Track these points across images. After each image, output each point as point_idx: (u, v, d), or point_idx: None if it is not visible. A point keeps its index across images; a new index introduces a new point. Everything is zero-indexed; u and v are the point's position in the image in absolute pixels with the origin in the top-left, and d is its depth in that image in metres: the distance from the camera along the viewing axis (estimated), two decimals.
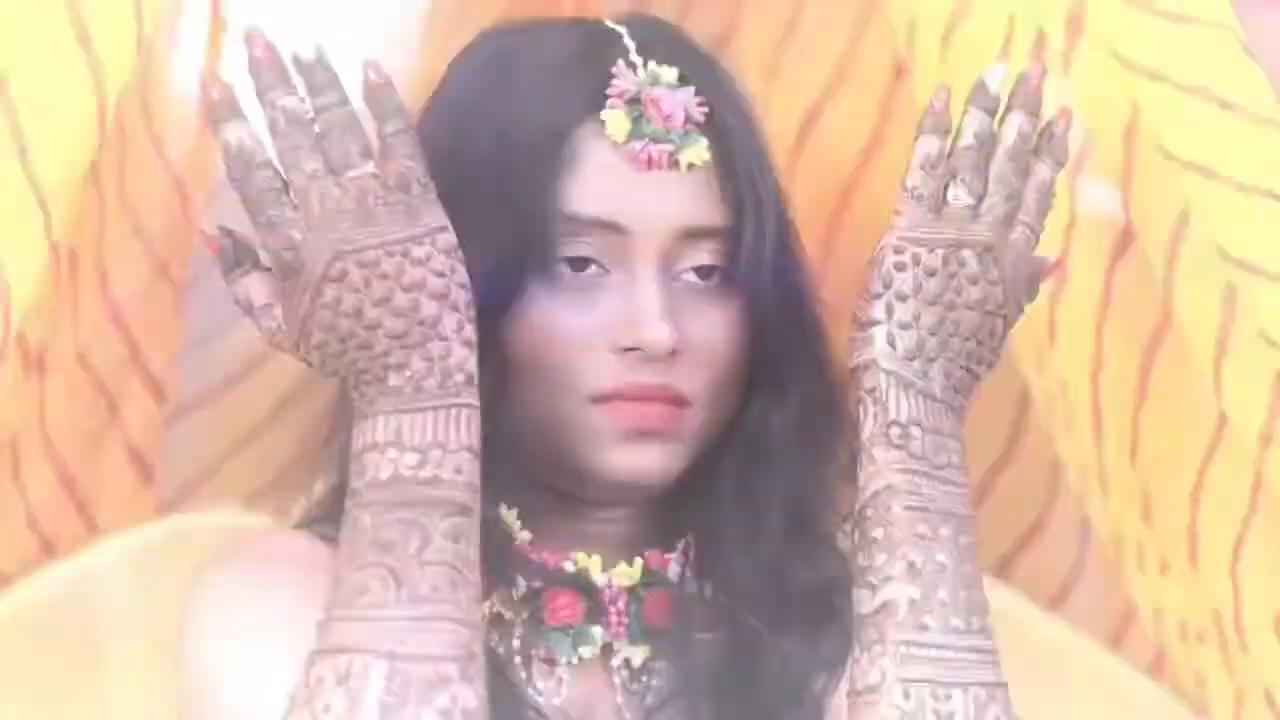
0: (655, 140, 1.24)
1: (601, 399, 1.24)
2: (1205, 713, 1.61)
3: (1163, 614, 1.59)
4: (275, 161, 1.17)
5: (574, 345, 1.24)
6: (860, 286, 1.24)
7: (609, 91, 1.24)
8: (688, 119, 1.25)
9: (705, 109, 1.26)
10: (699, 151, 1.25)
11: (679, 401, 1.25)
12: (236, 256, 1.20)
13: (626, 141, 1.24)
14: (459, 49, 1.53)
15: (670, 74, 1.26)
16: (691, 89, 1.26)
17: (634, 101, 1.24)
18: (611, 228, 1.24)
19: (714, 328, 1.26)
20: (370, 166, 1.16)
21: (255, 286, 1.20)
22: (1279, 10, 1.75)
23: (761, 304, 1.27)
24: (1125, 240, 1.39)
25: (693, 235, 1.25)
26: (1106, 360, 1.44)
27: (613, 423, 1.24)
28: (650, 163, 1.24)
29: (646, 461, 1.25)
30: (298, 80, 1.18)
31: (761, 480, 1.31)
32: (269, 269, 1.20)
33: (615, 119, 1.24)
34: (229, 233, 1.20)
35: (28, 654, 1.59)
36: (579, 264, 1.25)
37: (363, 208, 1.16)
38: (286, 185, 1.17)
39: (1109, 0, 1.27)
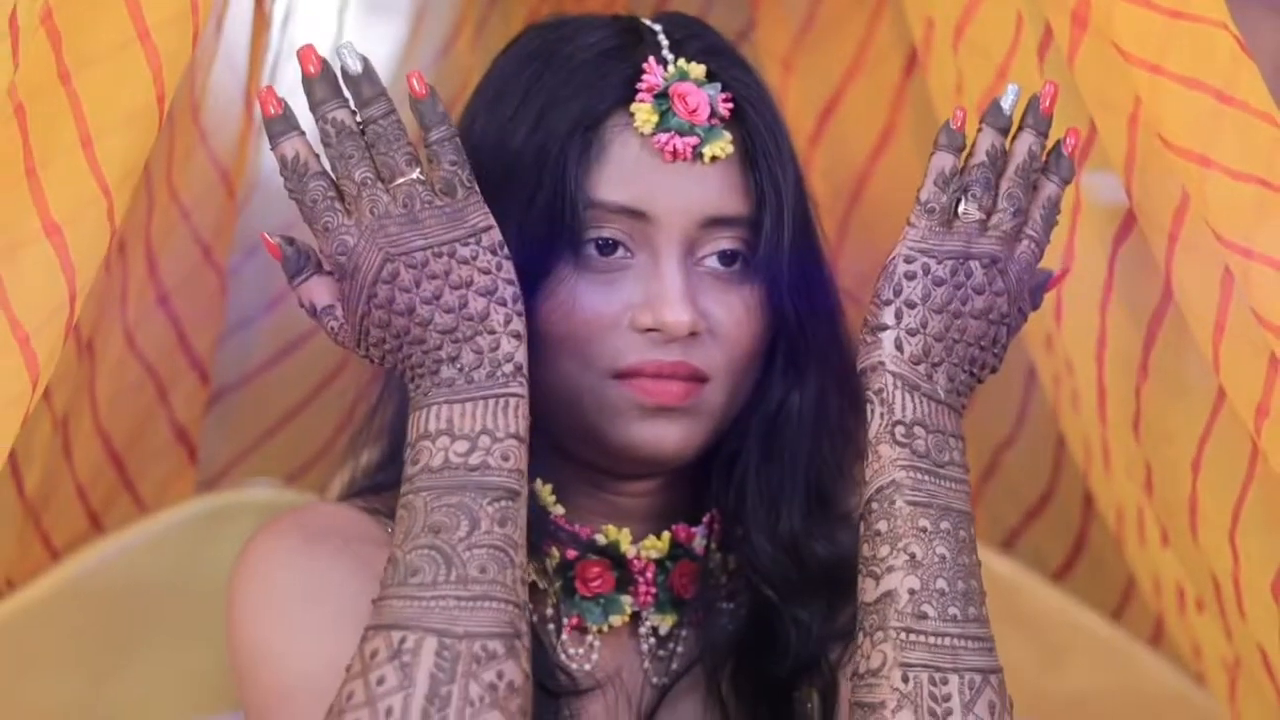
0: (680, 133, 1.28)
1: (623, 375, 1.28)
2: (1202, 681, 1.64)
3: (1162, 584, 1.61)
4: (328, 171, 1.21)
5: (598, 323, 1.28)
6: (874, 272, 1.26)
7: (639, 85, 1.28)
8: (713, 114, 1.29)
9: (730, 105, 1.29)
10: (722, 145, 1.28)
11: (698, 378, 1.28)
12: (298, 262, 1.23)
13: (653, 133, 1.28)
14: (485, 50, 1.56)
15: (698, 70, 1.29)
16: (718, 85, 1.29)
17: (662, 96, 1.28)
18: (637, 214, 1.28)
19: (733, 311, 1.29)
20: (416, 173, 1.20)
21: (317, 290, 1.23)
22: (1272, 7, 1.78)
23: (780, 290, 1.30)
24: (1128, 224, 1.40)
25: (715, 223, 1.29)
26: (1110, 338, 1.45)
27: (633, 398, 1.28)
28: (675, 154, 1.28)
29: (666, 435, 1.29)
30: (347, 93, 1.21)
31: (781, 459, 1.34)
32: (330, 273, 1.23)
33: (643, 111, 1.28)
34: (290, 240, 1.24)
35: (76, 625, 1.62)
36: (606, 247, 1.28)
37: (410, 212, 1.20)
38: (340, 193, 1.21)
39: None
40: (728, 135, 1.29)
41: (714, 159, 1.29)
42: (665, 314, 1.26)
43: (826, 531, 1.36)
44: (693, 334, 1.27)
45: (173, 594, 1.64)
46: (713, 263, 1.30)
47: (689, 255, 1.29)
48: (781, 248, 1.30)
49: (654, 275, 1.28)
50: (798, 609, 1.35)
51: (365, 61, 1.22)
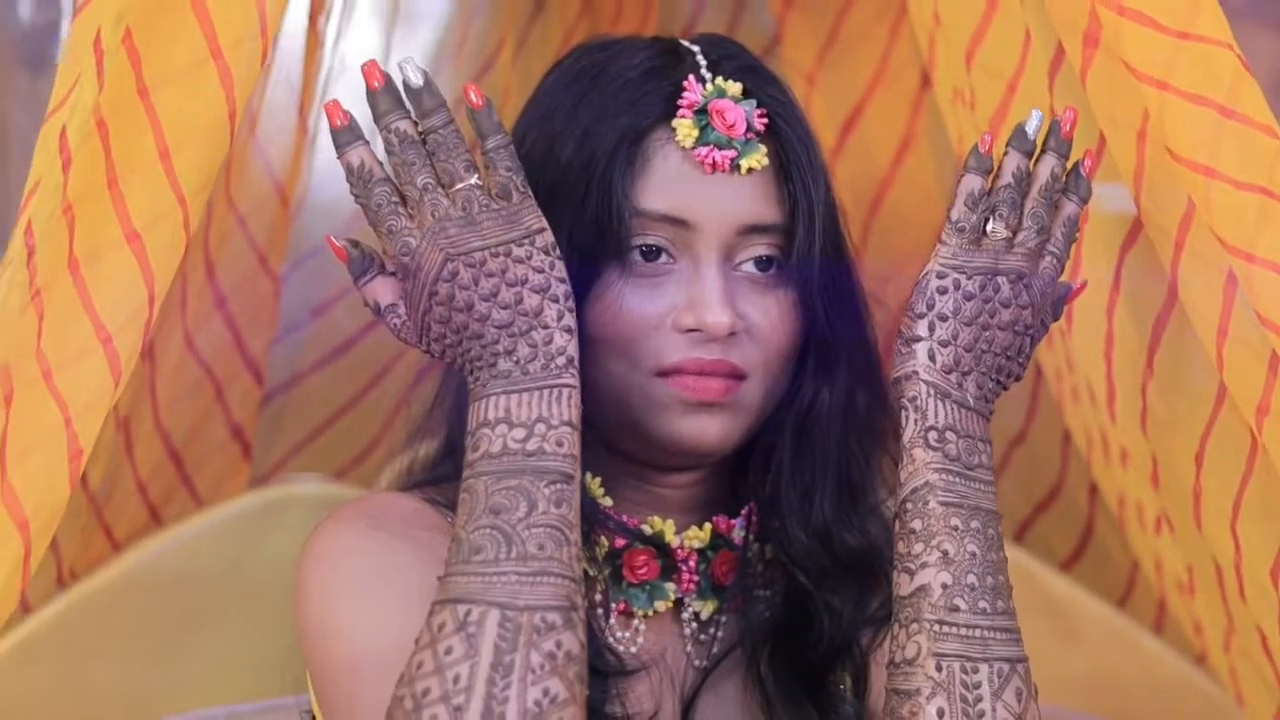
0: (719, 147, 1.33)
1: (667, 373, 1.33)
2: (1204, 660, 1.68)
3: (1163, 566, 1.66)
4: (392, 177, 1.27)
5: (643, 325, 1.33)
6: (895, 275, 1.32)
7: (680, 102, 1.34)
8: (749, 128, 1.34)
9: (765, 119, 1.35)
10: (758, 158, 1.34)
11: (736, 375, 1.33)
12: (363, 264, 1.29)
13: (694, 147, 1.33)
14: (523, 69, 1.59)
15: (735, 88, 1.35)
16: (754, 102, 1.35)
17: (701, 112, 1.33)
18: (679, 222, 1.33)
19: (769, 313, 1.35)
20: (474, 178, 1.26)
21: (381, 289, 1.29)
22: (1272, 28, 1.83)
23: (812, 293, 1.35)
24: (1134, 233, 1.44)
25: (751, 231, 1.34)
26: (1117, 339, 1.49)
27: (677, 394, 1.33)
28: (714, 166, 1.33)
29: (707, 429, 1.33)
30: (409, 104, 1.27)
31: (813, 452, 1.39)
32: (393, 274, 1.28)
33: (684, 127, 1.33)
34: (355, 243, 1.29)
35: (135, 614, 1.66)
36: (650, 253, 1.33)
37: (469, 215, 1.25)
38: (403, 198, 1.26)
39: (1120, 17, 1.31)
40: (763, 148, 1.34)
41: (750, 170, 1.34)
42: (706, 315, 1.32)
43: (857, 523, 1.40)
44: (731, 334, 1.32)
45: (227, 584, 1.69)
46: (749, 268, 1.35)
47: (727, 261, 1.34)
48: (813, 254, 1.35)
49: (695, 279, 1.33)
50: (830, 595, 1.39)
51: (426, 75, 1.27)
